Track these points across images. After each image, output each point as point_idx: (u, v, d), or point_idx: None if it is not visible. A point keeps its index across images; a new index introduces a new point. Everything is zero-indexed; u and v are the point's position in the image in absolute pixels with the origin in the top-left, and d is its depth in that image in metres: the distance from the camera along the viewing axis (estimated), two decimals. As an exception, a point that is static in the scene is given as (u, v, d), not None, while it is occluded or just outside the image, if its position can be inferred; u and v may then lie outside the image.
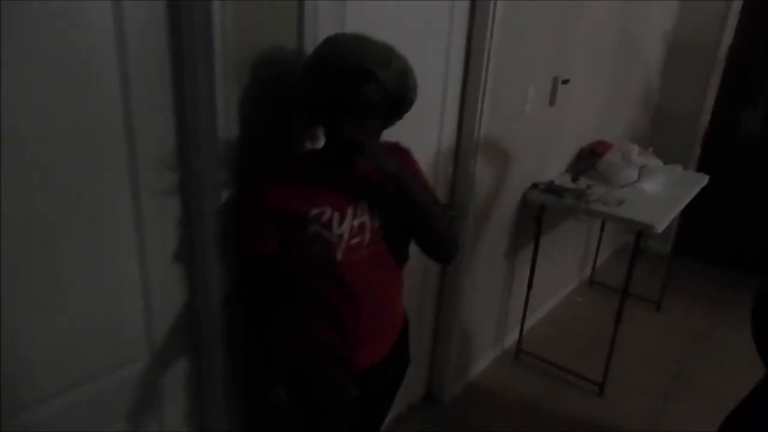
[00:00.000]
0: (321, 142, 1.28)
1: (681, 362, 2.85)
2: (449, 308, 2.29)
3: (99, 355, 1.15)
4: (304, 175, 1.18)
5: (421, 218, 1.21)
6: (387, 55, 1.10)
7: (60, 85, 0.95)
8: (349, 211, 1.16)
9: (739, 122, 3.79)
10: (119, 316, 1.16)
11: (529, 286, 2.73)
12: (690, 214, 2.98)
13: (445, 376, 2.40)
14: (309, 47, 1.25)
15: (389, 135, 1.24)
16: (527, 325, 2.87)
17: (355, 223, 1.16)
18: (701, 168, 3.69)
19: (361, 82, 1.07)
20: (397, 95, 1.13)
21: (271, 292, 1.22)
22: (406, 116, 1.24)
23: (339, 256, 1.15)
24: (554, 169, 2.80)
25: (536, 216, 2.58)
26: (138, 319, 1.20)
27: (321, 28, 1.27)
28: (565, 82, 2.52)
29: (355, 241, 1.16)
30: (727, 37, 3.63)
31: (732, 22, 3.59)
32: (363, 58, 1.07)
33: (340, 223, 1.15)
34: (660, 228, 2.28)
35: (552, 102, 2.51)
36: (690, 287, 3.58)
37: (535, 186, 2.57)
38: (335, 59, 1.08)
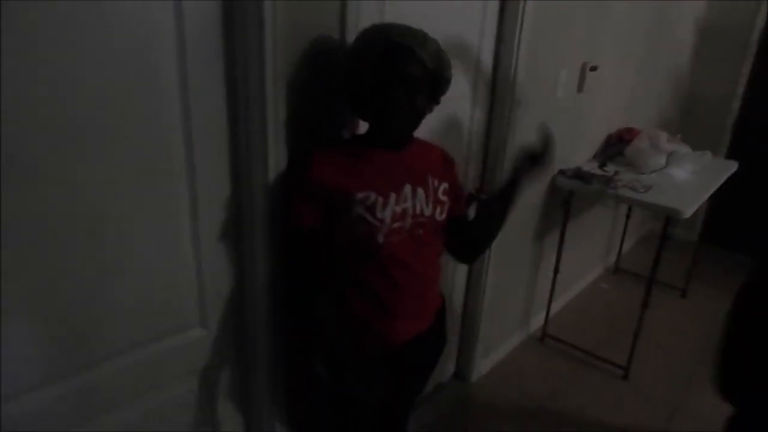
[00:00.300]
0: (362, 130, 1.34)
1: (705, 349, 2.87)
2: (477, 290, 2.36)
3: (158, 320, 1.24)
4: (351, 158, 1.24)
5: (491, 228, 1.45)
6: (422, 36, 1.19)
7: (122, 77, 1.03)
8: (392, 197, 1.23)
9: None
10: (174, 287, 1.25)
11: (556, 270, 2.77)
12: (718, 201, 2.97)
13: (473, 356, 2.47)
14: (351, 40, 1.31)
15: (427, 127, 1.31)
16: (553, 309, 2.92)
17: (398, 209, 1.23)
18: (731, 155, 3.66)
19: (403, 59, 1.15)
20: (435, 72, 1.20)
21: (314, 267, 1.30)
22: (438, 108, 1.30)
23: (380, 239, 1.21)
24: (582, 155, 2.83)
25: (564, 201, 2.62)
26: (192, 291, 1.29)
27: (362, 24, 1.33)
28: (594, 69, 2.54)
29: (396, 225, 1.23)
30: (760, 22, 3.58)
31: (764, 6, 3.54)
32: (402, 37, 1.15)
33: (384, 207, 1.21)
34: (687, 213, 2.30)
35: (580, 89, 2.53)
36: (716, 274, 3.57)
37: (562, 172, 2.60)
38: (377, 42, 1.16)
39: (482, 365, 2.56)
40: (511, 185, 1.38)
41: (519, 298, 2.74)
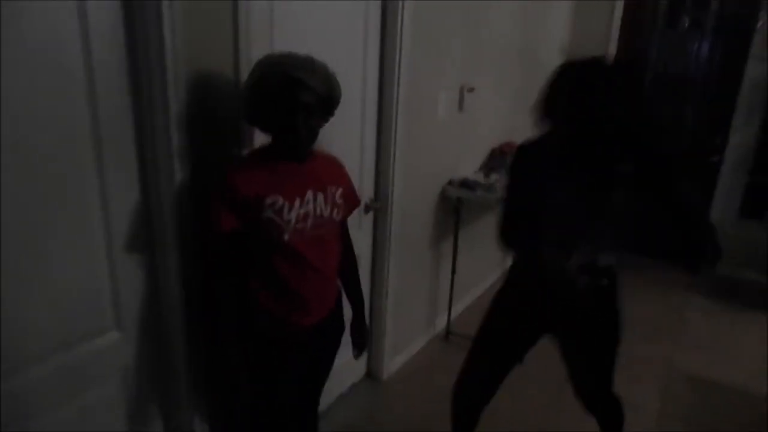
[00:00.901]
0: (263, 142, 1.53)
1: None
2: (380, 294, 2.57)
3: (75, 325, 1.34)
4: (260, 168, 1.42)
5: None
6: (311, 64, 1.38)
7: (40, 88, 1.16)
8: (297, 201, 1.42)
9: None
10: (89, 293, 1.36)
11: (453, 273, 3.04)
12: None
13: (382, 356, 2.66)
14: (243, 62, 1.52)
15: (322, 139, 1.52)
16: (455, 310, 3.18)
17: (301, 211, 1.43)
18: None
19: (298, 90, 1.33)
20: (326, 95, 1.40)
21: (233, 265, 1.45)
22: (332, 122, 1.52)
23: (286, 237, 1.40)
24: (469, 167, 3.15)
25: (454, 208, 2.91)
26: (106, 296, 1.40)
27: (254, 52, 1.53)
28: (471, 90, 2.88)
29: (299, 225, 1.42)
30: (612, 48, 4.16)
31: (614, 36, 4.13)
32: (296, 70, 1.34)
33: (289, 210, 1.40)
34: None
35: (461, 108, 2.87)
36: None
37: (451, 182, 2.90)
38: (274, 75, 1.34)
39: (392, 364, 2.76)
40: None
41: (423, 300, 2.98)
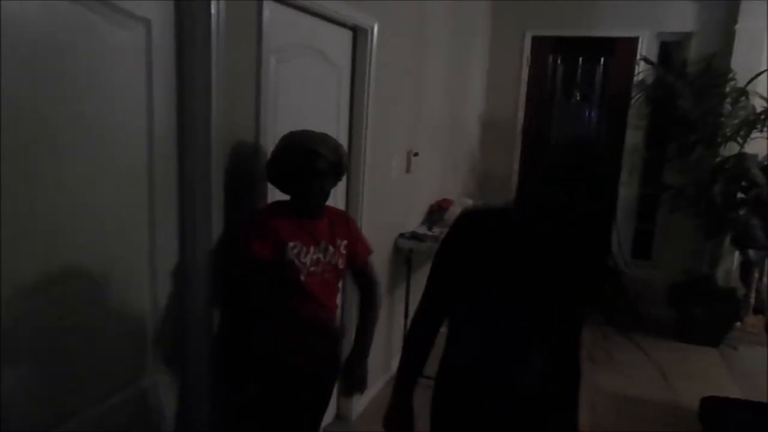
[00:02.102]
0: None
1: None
2: (347, 337, 2.83)
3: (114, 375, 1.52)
4: (284, 218, 1.72)
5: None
6: (325, 139, 1.73)
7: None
8: (312, 248, 1.72)
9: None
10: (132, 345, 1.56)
11: (406, 317, 3.38)
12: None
13: (351, 398, 2.89)
14: (263, 135, 1.83)
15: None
16: (407, 351, 3.49)
17: (314, 257, 1.73)
18: (517, 216, 4.78)
19: (314, 159, 1.66)
20: (336, 163, 1.73)
21: (257, 295, 1.71)
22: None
23: (302, 277, 1.70)
24: (414, 222, 3.57)
25: (406, 258, 3.29)
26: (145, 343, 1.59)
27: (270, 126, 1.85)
28: (416, 154, 3.34)
29: (313, 269, 1.73)
30: (521, 118, 4.88)
31: (522, 106, 4.86)
32: (312, 143, 1.68)
33: (305, 255, 1.70)
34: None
35: (408, 170, 3.30)
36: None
37: (402, 235, 3.29)
38: (294, 148, 1.68)
39: (359, 405, 3.00)
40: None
41: (379, 343, 3.27)
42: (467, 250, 1.34)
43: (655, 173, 4.57)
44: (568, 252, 1.31)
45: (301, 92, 2.19)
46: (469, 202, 3.74)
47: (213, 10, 1.54)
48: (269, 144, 1.81)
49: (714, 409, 2.83)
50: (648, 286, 4.68)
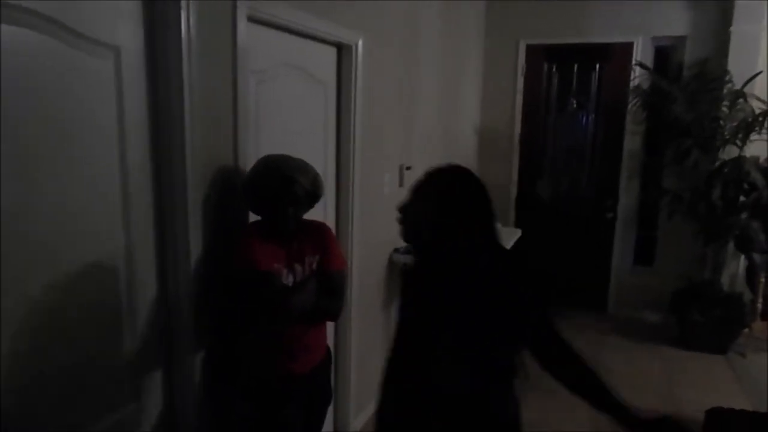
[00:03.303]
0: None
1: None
2: (344, 352, 2.82)
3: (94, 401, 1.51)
4: (260, 239, 1.73)
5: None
6: (303, 166, 1.73)
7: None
8: (287, 269, 1.75)
9: (534, 189, 4.98)
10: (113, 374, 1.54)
11: (403, 331, 3.35)
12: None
13: (348, 412, 2.87)
14: (242, 158, 1.82)
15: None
16: (406, 366, 3.46)
17: (288, 280, 1.76)
18: (517, 224, 4.76)
19: (290, 185, 1.65)
20: (312, 191, 1.73)
21: (238, 321, 1.73)
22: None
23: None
24: (409, 235, 3.54)
25: (401, 272, 3.26)
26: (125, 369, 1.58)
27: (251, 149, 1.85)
28: (408, 168, 3.33)
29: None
30: (517, 127, 4.86)
31: (518, 116, 4.85)
32: (288, 169, 1.67)
33: (287, 275, 1.74)
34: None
35: (401, 184, 3.29)
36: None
37: (396, 250, 3.27)
38: (272, 173, 1.67)
39: (357, 421, 2.96)
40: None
41: (378, 358, 3.24)
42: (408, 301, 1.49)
43: (654, 178, 4.53)
44: (476, 286, 1.34)
45: (285, 112, 2.19)
46: (465, 214, 3.71)
47: (184, 35, 1.53)
48: (248, 167, 1.80)
49: (720, 421, 2.76)
50: (647, 293, 4.62)
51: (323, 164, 2.54)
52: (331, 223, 2.66)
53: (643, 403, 3.26)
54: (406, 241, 1.48)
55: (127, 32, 1.48)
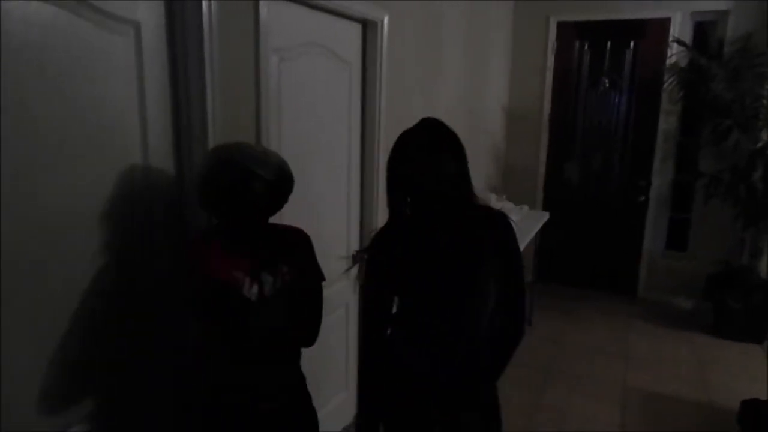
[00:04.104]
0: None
1: (550, 367, 3.58)
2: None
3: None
4: (216, 247, 1.43)
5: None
6: (262, 156, 1.39)
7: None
8: (248, 280, 1.43)
9: (564, 173, 4.85)
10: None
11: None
12: (542, 245, 3.81)
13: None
14: (265, 138, 1.78)
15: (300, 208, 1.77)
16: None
17: (254, 290, 1.43)
18: (545, 207, 4.66)
19: (247, 180, 1.34)
20: (277, 185, 1.41)
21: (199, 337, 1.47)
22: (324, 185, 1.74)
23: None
24: (434, 217, 3.49)
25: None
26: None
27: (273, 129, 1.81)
28: (434, 149, 3.25)
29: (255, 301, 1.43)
30: (547, 107, 4.72)
31: (548, 95, 4.70)
32: (244, 160, 1.34)
33: (251, 286, 1.42)
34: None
35: (426, 165, 3.22)
36: (552, 305, 4.41)
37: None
38: (225, 165, 1.34)
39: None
40: None
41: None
42: (382, 266, 1.46)
43: (690, 160, 4.36)
44: (448, 241, 1.40)
45: (308, 91, 2.14)
46: (491, 197, 3.63)
47: (205, 10, 1.49)
48: (272, 148, 1.75)
49: (756, 412, 2.67)
50: (679, 278, 4.49)
51: (347, 145, 2.49)
52: (355, 207, 2.62)
53: (674, 390, 3.20)
54: (407, 194, 1.41)
55: (146, 7, 1.44)
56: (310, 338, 1.57)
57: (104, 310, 1.43)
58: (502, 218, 1.48)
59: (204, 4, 1.49)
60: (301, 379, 1.63)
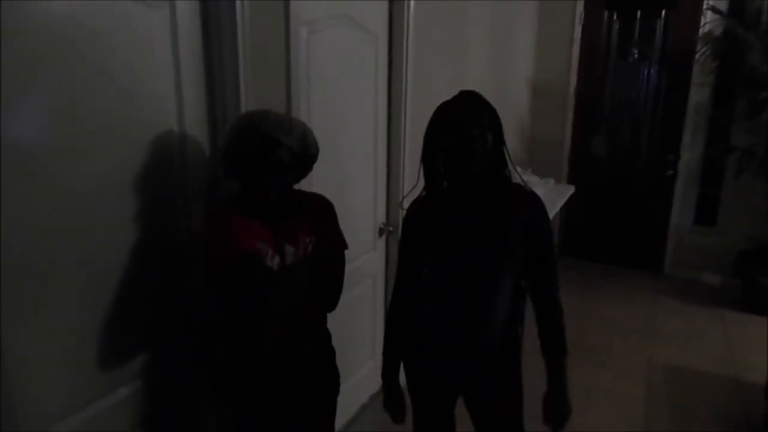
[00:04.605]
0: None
1: (573, 336, 3.58)
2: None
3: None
4: (241, 216, 1.42)
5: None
6: (288, 123, 1.39)
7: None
8: (272, 251, 1.43)
9: (590, 146, 4.78)
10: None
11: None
12: (567, 220, 3.79)
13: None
14: (295, 111, 1.80)
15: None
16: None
17: (276, 260, 1.44)
18: (570, 181, 4.61)
19: (272, 148, 1.35)
20: (301, 153, 1.42)
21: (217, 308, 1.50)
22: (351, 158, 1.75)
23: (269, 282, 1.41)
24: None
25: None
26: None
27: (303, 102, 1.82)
28: (460, 123, 3.23)
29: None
30: (573, 80, 4.64)
31: (574, 68, 4.61)
32: (272, 129, 1.34)
33: (273, 257, 1.43)
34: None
35: (452, 139, 3.21)
36: (577, 279, 4.40)
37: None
38: (250, 133, 1.35)
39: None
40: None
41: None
42: (416, 235, 1.52)
43: (722, 134, 4.25)
44: (484, 210, 1.44)
45: (335, 64, 2.14)
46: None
47: (237, -17, 1.50)
48: (301, 119, 1.76)
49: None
50: (708, 254, 4.42)
51: (374, 117, 2.49)
52: (381, 180, 2.63)
53: (701, 366, 3.19)
54: (443, 165, 1.46)
55: (181, -18, 1.46)
56: (331, 304, 1.60)
57: (140, 274, 1.47)
58: (534, 198, 1.51)
59: (237, -23, 1.50)
60: (326, 336, 1.66)
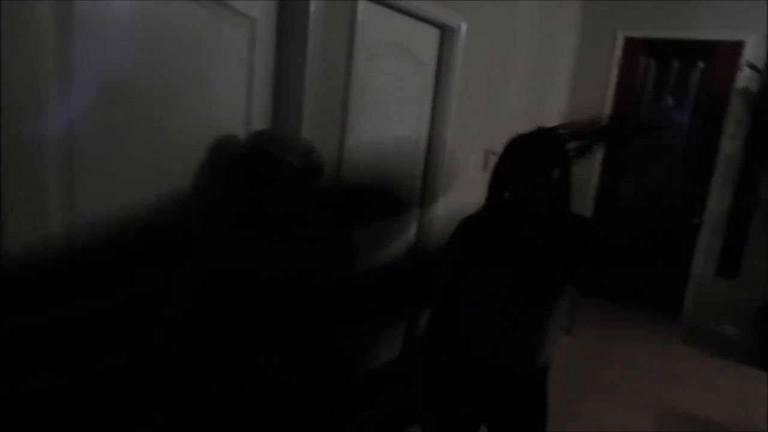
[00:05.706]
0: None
1: (588, 372, 3.61)
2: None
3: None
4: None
5: None
6: (290, 142, 1.45)
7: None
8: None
9: (618, 187, 4.84)
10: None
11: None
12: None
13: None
14: (349, 131, 1.91)
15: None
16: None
17: None
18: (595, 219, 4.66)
19: (273, 166, 1.35)
20: (306, 170, 1.40)
21: None
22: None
23: None
24: (487, 220, 3.57)
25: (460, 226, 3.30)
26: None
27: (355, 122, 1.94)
28: (495, 154, 3.33)
29: None
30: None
31: (609, 108, 4.70)
32: (272, 146, 1.37)
33: None
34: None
35: (485, 169, 3.31)
36: (592, 317, 4.42)
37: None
38: (253, 150, 1.39)
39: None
40: None
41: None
42: (467, 250, 1.59)
43: (751, 185, 4.28)
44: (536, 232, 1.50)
45: (386, 89, 2.27)
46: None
47: (312, 9, 1.63)
48: (353, 139, 1.88)
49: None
50: (728, 306, 4.42)
51: (415, 141, 2.60)
52: (415, 201, 2.73)
53: (710, 416, 3.19)
54: (508, 189, 1.54)
55: (263, 5, 1.59)
56: None
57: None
58: (591, 225, 1.60)
59: (312, 3, 1.62)
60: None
